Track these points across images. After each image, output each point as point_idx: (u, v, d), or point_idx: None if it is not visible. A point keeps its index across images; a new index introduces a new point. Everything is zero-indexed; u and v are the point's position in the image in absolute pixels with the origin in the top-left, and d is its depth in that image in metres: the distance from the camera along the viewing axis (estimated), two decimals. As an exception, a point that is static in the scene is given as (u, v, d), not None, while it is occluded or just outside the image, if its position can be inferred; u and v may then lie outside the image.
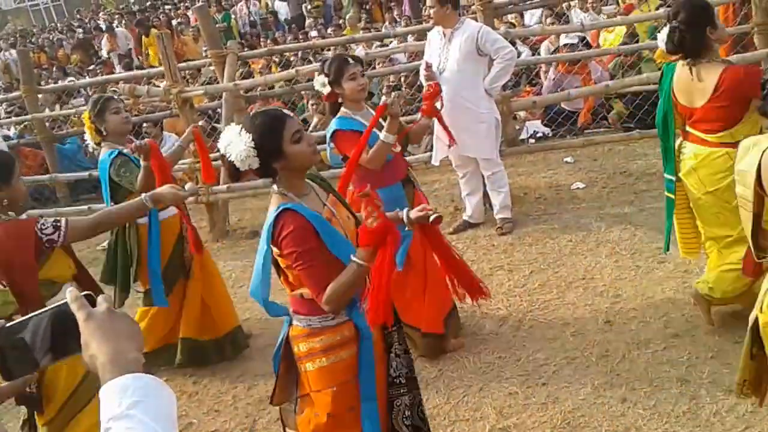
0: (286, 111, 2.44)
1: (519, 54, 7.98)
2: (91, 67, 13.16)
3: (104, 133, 3.97)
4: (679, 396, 3.22)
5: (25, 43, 17.02)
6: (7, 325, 1.14)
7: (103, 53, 14.08)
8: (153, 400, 1.03)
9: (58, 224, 2.74)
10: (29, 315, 1.15)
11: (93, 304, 1.14)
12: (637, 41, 7.39)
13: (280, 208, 2.31)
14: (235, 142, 2.28)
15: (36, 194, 8.14)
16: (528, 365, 3.68)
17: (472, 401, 3.49)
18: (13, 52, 15.72)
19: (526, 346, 3.85)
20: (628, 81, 6.19)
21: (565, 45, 7.28)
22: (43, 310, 1.16)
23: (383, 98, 7.80)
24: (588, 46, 7.50)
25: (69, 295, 1.13)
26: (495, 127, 5.18)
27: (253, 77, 8.00)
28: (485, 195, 5.46)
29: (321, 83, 3.64)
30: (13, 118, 8.78)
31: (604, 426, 3.14)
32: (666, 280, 4.21)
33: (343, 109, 3.68)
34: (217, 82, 6.90)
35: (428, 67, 4.84)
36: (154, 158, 3.73)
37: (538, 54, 8.06)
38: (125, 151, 3.90)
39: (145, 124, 8.64)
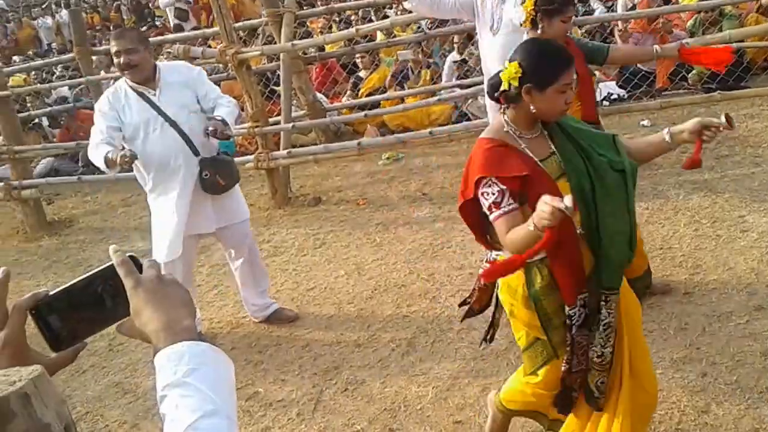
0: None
1: (593, 11, 7.65)
2: (144, 28, 13.14)
3: None
4: (763, 371, 3.09)
5: (78, 3, 17.02)
6: (51, 293, 1.09)
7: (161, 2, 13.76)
8: (209, 368, 1.01)
9: None
10: (73, 281, 1.09)
11: (137, 266, 1.09)
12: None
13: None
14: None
15: (94, 158, 8.21)
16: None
17: (546, 375, 3.36)
18: (66, 12, 15.74)
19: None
20: (709, 39, 5.83)
21: (641, -2, 6.95)
22: (87, 274, 1.10)
23: (448, 58, 7.65)
24: (667, 1, 7.14)
25: (115, 258, 1.08)
26: None
27: (312, 37, 7.83)
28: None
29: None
30: (68, 81, 8.79)
31: (683, 401, 3.03)
32: (749, 249, 4.04)
33: None
34: (275, 43, 6.75)
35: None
36: None
37: (614, 11, 7.69)
38: None
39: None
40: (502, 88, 2.29)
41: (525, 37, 4.65)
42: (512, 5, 4.65)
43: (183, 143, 3.86)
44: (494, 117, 3.34)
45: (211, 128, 3.76)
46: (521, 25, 3.56)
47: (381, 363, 3.72)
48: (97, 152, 3.69)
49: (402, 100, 7.18)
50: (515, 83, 2.24)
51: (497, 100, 2.37)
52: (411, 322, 4.04)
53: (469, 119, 6.73)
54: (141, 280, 1.06)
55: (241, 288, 4.35)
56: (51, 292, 1.08)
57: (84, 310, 1.09)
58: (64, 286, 1.09)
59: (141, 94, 3.83)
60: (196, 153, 3.88)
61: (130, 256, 1.09)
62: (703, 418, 2.92)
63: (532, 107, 2.27)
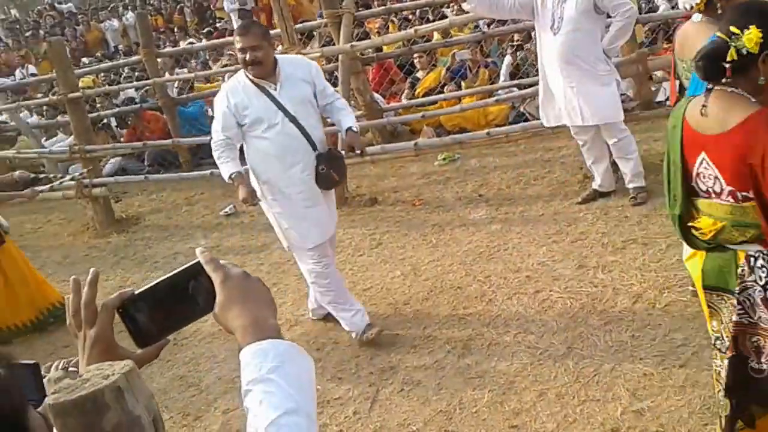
0: None
1: (657, 8, 7.48)
2: (206, 30, 13.45)
3: None
4: None
5: (143, 6, 17.51)
6: (137, 292, 1.14)
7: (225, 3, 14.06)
8: (292, 366, 1.05)
9: None
10: (157, 280, 1.15)
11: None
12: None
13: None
14: None
15: (159, 159, 8.45)
16: (664, 345, 3.49)
17: (604, 381, 3.35)
18: (132, 14, 16.22)
19: (662, 325, 3.64)
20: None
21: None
22: (171, 273, 1.15)
23: (506, 58, 7.63)
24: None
25: (202, 256, 1.13)
26: (617, 89, 4.87)
27: (369, 38, 7.90)
28: (614, 162, 5.17)
29: None
30: (135, 83, 9.08)
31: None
32: None
33: None
34: (333, 44, 6.84)
35: None
36: None
37: (677, 7, 7.50)
38: None
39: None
40: (730, 57, 2.09)
41: (585, 36, 4.60)
42: (573, 5, 4.62)
43: (302, 138, 3.85)
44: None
45: (347, 145, 3.98)
46: (694, 7, 3.26)
47: (437, 364, 3.75)
48: (221, 162, 3.86)
49: (459, 100, 7.18)
50: (755, 49, 2.06)
51: (717, 73, 2.16)
52: (467, 324, 4.06)
53: (526, 120, 6.69)
54: (230, 276, 1.10)
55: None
56: (137, 291, 1.14)
57: (168, 308, 1.13)
58: (149, 285, 1.14)
59: (261, 88, 3.82)
60: (314, 148, 3.89)
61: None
62: (769, 431, 2.85)
63: (762, 77, 2.11)
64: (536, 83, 6.11)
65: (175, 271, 1.14)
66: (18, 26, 20.16)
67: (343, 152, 4.16)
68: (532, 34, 7.38)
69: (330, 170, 3.92)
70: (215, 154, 3.90)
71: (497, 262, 4.66)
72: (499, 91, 7.02)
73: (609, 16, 4.72)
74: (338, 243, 5.57)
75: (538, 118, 6.10)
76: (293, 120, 3.82)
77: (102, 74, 10.55)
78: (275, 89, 3.83)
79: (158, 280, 1.14)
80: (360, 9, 7.96)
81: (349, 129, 3.96)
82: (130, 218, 7.42)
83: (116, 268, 6.23)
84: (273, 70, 3.84)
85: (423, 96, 7.65)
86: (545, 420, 3.19)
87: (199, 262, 1.13)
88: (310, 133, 3.88)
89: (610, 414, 3.13)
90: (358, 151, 4.12)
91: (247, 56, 3.76)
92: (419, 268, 4.86)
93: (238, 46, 3.84)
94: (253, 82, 3.83)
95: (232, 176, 3.82)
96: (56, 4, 20.20)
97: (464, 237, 5.16)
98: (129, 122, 8.90)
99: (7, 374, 1.00)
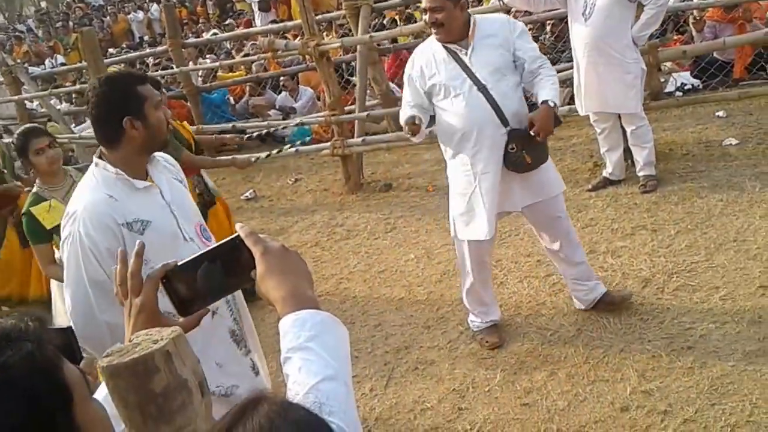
0: None
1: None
2: (228, 22, 13.61)
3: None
4: None
5: (168, -1, 17.83)
6: (180, 263, 1.19)
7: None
8: (329, 336, 1.08)
9: None
10: (200, 252, 1.20)
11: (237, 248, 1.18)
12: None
13: None
14: None
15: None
16: (672, 328, 3.56)
17: (613, 362, 3.43)
18: (156, 7, 16.50)
19: (670, 309, 3.72)
20: (792, 27, 5.68)
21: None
22: (211, 246, 1.21)
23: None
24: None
25: (242, 230, 1.17)
26: (641, 78, 4.93)
27: (385, 29, 7.99)
28: (626, 150, 5.25)
29: None
30: (161, 71, 9.26)
31: (755, 394, 3.02)
32: None
33: None
34: (351, 35, 6.95)
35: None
36: None
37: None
38: None
39: (281, 78, 8.87)
40: None
41: (616, 24, 4.61)
42: None
43: (491, 111, 3.38)
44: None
45: (535, 130, 3.35)
46: None
47: (450, 345, 3.86)
48: (401, 114, 3.53)
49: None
50: None
51: None
52: (480, 306, 4.16)
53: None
54: (269, 249, 1.15)
55: (564, 275, 3.88)
56: (179, 263, 1.20)
57: (208, 279, 1.18)
58: (191, 257, 1.20)
59: (451, 52, 3.41)
60: (505, 123, 3.39)
61: (234, 237, 1.18)
62: (776, 412, 2.91)
63: None
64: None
65: (216, 244, 1.20)
66: (48, 18, 20.52)
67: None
68: (546, 24, 7.45)
69: (522, 151, 3.41)
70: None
71: (509, 247, 4.76)
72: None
73: (640, 5, 4.78)
74: (354, 227, 5.73)
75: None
76: (482, 89, 3.35)
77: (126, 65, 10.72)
78: (466, 54, 3.39)
79: (200, 253, 1.20)
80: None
81: (545, 102, 3.37)
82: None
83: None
84: (465, 32, 3.39)
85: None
86: (556, 398, 3.27)
87: (239, 236, 1.17)
88: (501, 104, 3.38)
89: (619, 394, 3.20)
90: (541, 134, 3.37)
91: (428, 17, 3.41)
92: (432, 251, 4.97)
93: (423, 6, 3.46)
94: (443, 45, 3.43)
95: (407, 120, 3.42)
96: (85, -3, 20.66)
97: (477, 222, 5.25)
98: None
99: (39, 327, 1.00)
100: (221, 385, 2.43)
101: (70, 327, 1.21)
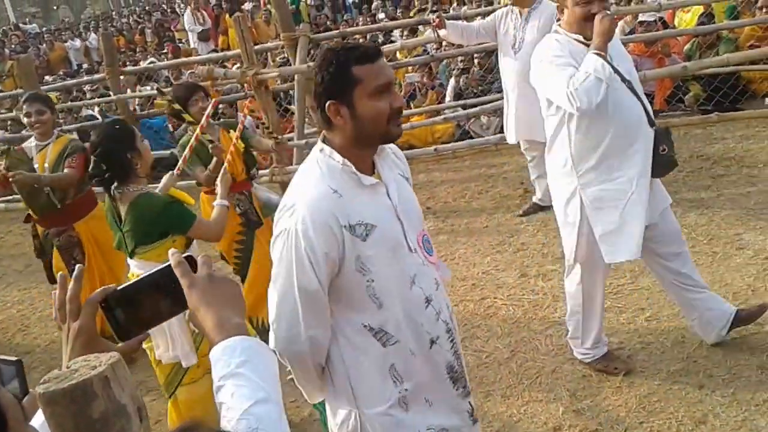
0: None
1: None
2: (165, 50, 13.53)
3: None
4: (759, 384, 3.17)
5: (106, 27, 17.62)
6: (118, 288, 1.20)
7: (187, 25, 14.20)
8: (259, 360, 1.11)
9: None
10: (139, 277, 1.21)
11: (193, 264, 1.19)
12: (714, 21, 7.16)
13: None
14: None
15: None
16: (601, 349, 3.65)
17: (546, 382, 3.50)
18: (94, 36, 16.30)
19: (599, 329, 3.83)
20: (707, 62, 6.03)
21: (641, 22, 7.11)
22: (149, 272, 1.21)
23: (451, 81, 7.91)
24: (665, 25, 7.30)
25: (173, 258, 1.18)
26: None
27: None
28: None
29: None
30: (97, 99, 9.14)
31: (681, 411, 3.12)
32: (744, 266, 4.13)
33: None
34: (290, 65, 7.02)
35: None
36: None
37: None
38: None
39: (220, 106, 8.84)
40: None
41: None
42: (535, 28, 4.88)
43: (640, 108, 3.09)
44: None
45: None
46: None
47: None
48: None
49: (408, 119, 7.42)
50: None
51: None
52: (417, 330, 4.20)
53: (471, 137, 6.98)
54: (194, 282, 1.16)
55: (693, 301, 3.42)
56: (119, 288, 1.20)
57: (147, 304, 1.19)
58: (129, 282, 1.22)
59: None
60: (651, 122, 3.11)
61: (188, 256, 1.19)
62: (701, 429, 2.99)
63: None
64: (480, 104, 6.38)
65: (154, 270, 1.21)
66: (-18, 46, 19.99)
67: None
68: (475, 57, 7.71)
69: (671, 151, 3.12)
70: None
71: (445, 272, 4.83)
72: (446, 111, 7.30)
73: None
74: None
75: (482, 136, 6.40)
76: (629, 85, 3.06)
77: (62, 92, 10.55)
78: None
79: (139, 278, 1.21)
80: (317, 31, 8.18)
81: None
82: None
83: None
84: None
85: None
86: (492, 419, 3.30)
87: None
88: (645, 102, 3.13)
89: (552, 413, 3.27)
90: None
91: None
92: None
93: None
94: (576, 41, 3.06)
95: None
96: (21, 25, 20.19)
97: (414, 248, 5.32)
98: (91, 135, 8.96)
99: None
100: (432, 427, 2.04)
101: (19, 360, 1.22)
